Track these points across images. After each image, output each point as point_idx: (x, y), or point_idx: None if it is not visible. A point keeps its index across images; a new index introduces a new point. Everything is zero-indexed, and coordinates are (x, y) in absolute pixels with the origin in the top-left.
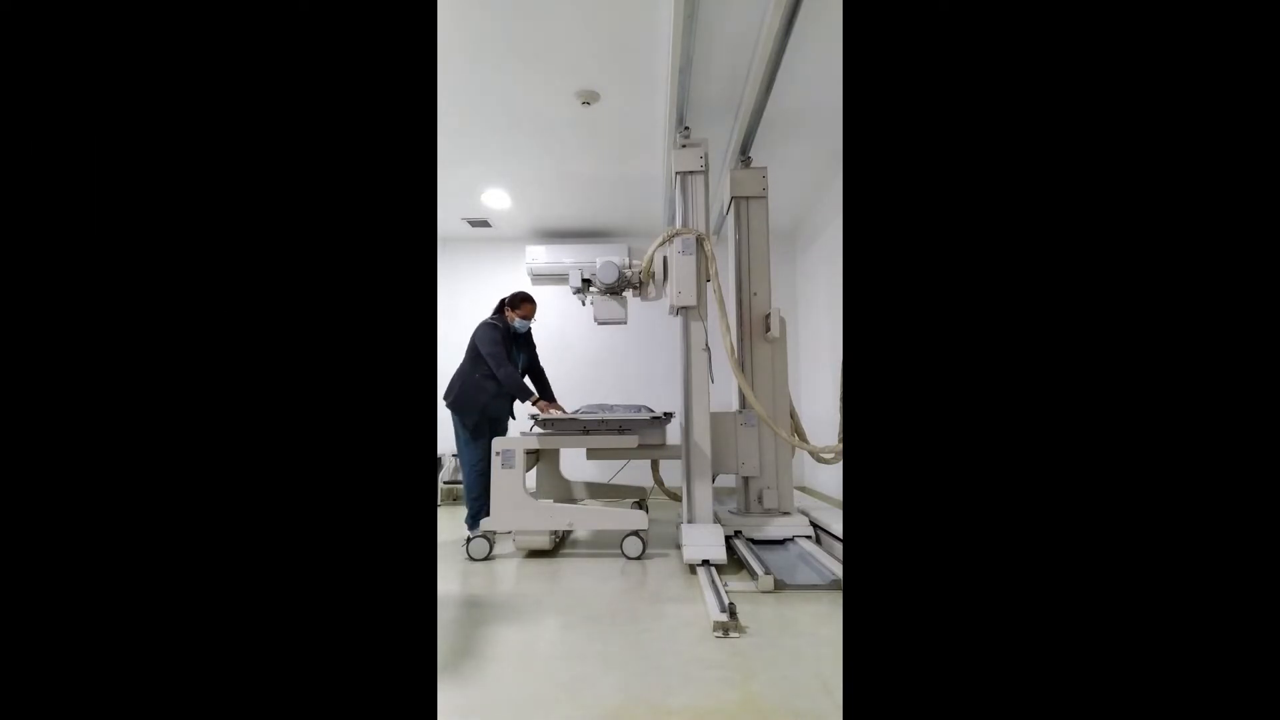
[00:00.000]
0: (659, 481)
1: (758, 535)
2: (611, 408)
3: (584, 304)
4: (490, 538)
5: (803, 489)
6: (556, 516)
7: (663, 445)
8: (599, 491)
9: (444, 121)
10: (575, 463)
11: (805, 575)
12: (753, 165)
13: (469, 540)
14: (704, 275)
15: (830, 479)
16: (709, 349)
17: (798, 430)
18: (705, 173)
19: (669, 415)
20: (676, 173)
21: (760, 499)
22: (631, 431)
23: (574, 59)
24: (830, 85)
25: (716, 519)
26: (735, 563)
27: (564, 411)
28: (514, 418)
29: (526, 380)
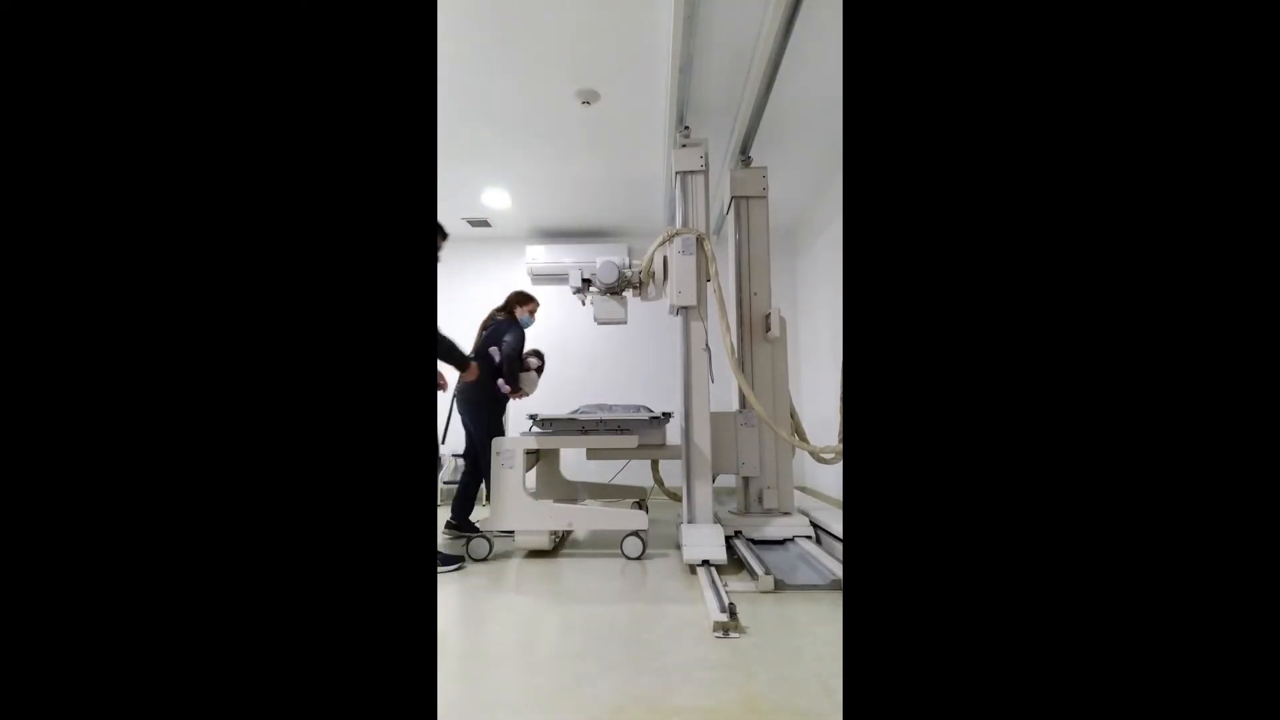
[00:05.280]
0: (659, 481)
1: (758, 535)
2: (611, 408)
3: (584, 304)
4: (490, 537)
5: (803, 489)
6: (556, 516)
7: (662, 445)
8: (599, 491)
9: (444, 121)
10: (575, 463)
11: (805, 575)
12: (753, 165)
13: (469, 540)
14: (704, 275)
15: (830, 479)
16: (709, 349)
17: (798, 430)
18: (705, 172)
19: (668, 415)
20: (676, 172)
21: (760, 499)
22: (631, 431)
23: (574, 59)
24: (830, 85)
25: (716, 519)
26: (735, 563)
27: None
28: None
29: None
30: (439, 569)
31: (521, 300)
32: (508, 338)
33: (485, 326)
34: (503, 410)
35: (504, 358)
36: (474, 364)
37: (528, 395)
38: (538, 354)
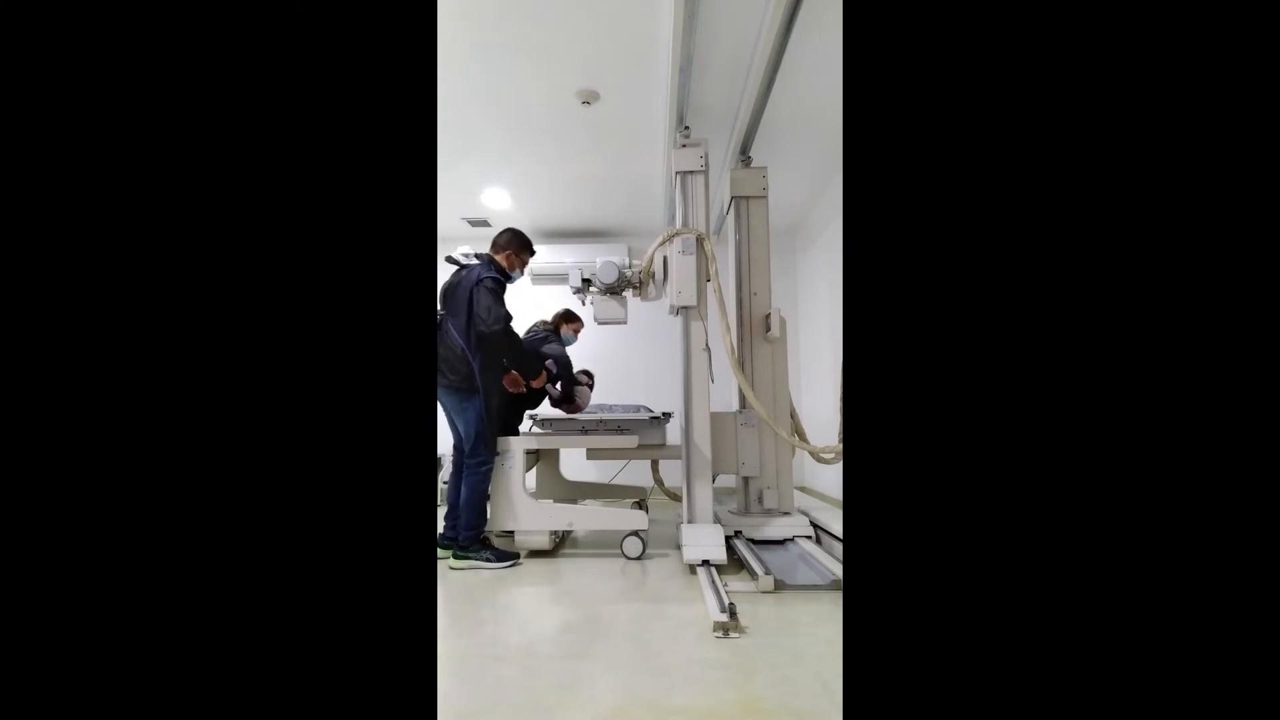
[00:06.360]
0: (659, 481)
1: (758, 535)
2: (611, 408)
3: (584, 304)
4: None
5: (803, 489)
6: (556, 516)
7: (663, 445)
8: (599, 491)
9: (444, 121)
10: (575, 463)
11: (805, 575)
12: (753, 165)
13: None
14: (704, 275)
15: (830, 479)
16: (709, 349)
17: (798, 430)
18: (705, 173)
19: (668, 415)
20: (676, 173)
21: (760, 499)
22: (631, 431)
23: (574, 59)
24: (830, 85)
25: (716, 519)
26: (735, 563)
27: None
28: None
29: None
30: (496, 565)
31: (568, 319)
32: (555, 347)
33: (528, 331)
34: (517, 413)
35: (559, 369)
36: (543, 371)
37: (581, 410)
38: (588, 373)
